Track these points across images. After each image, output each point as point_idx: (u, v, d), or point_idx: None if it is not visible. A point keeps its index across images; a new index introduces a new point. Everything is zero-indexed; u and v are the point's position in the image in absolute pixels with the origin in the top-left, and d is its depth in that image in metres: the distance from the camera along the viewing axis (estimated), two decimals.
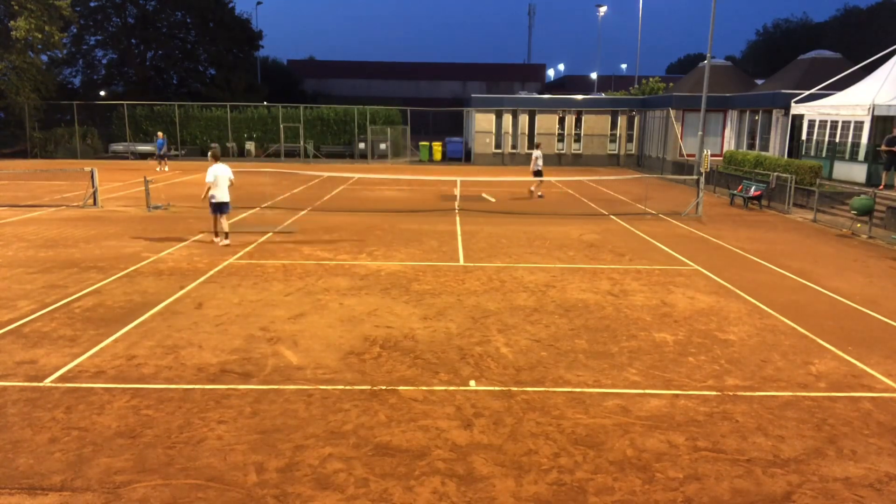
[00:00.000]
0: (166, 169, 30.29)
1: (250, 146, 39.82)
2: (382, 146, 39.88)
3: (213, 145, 18.18)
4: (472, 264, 12.14)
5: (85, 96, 43.47)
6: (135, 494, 4.80)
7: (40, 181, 25.17)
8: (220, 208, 13.34)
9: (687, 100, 32.72)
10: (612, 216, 18.58)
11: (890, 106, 20.16)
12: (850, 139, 21.83)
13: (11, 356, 7.35)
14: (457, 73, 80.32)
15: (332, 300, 9.69)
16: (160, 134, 31.69)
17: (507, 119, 38.55)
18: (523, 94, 45.79)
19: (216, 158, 13.50)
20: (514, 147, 38.82)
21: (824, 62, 29.06)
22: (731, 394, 6.68)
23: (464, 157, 40.29)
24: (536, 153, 23.00)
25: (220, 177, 13.22)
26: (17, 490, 4.83)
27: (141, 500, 4.73)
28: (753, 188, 21.17)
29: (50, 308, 9.10)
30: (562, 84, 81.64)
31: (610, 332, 8.51)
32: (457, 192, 20.30)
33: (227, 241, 13.41)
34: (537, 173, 22.44)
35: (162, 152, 30.77)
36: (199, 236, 14.29)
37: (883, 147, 18.66)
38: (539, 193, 22.37)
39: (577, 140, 39.05)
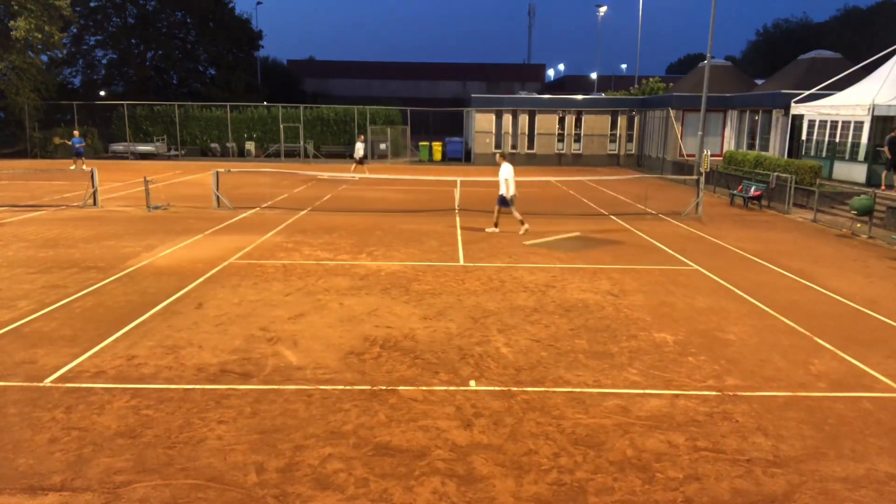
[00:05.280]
0: (84, 167, 28.17)
1: (250, 146, 39.84)
2: (382, 146, 39.90)
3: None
4: (472, 264, 12.14)
5: (85, 96, 43.49)
6: (135, 494, 4.80)
7: (40, 181, 25.16)
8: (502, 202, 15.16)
9: (687, 100, 32.72)
10: (612, 216, 18.58)
11: (890, 106, 20.16)
12: (849, 139, 21.83)
13: (11, 356, 7.34)
14: (457, 73, 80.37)
15: (332, 300, 9.69)
16: (76, 132, 30.56)
17: (507, 119, 38.56)
18: (523, 95, 45.80)
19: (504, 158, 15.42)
20: (514, 147, 38.82)
21: (824, 62, 29.06)
22: (731, 394, 6.68)
23: (464, 157, 40.29)
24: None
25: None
26: (17, 490, 4.83)
27: (141, 500, 4.73)
28: (753, 188, 21.17)
29: (50, 308, 9.10)
30: (562, 84, 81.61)
31: (610, 332, 8.51)
32: (456, 192, 20.30)
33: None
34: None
35: (78, 151, 29.30)
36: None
37: (885, 149, 18.65)
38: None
39: (577, 140, 39.06)
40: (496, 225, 15.46)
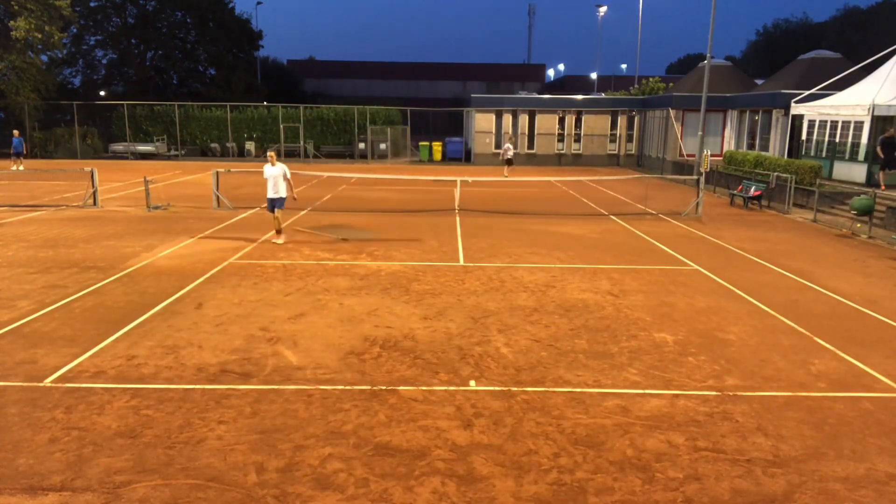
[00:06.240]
0: (21, 168, 28.34)
1: (250, 146, 39.84)
2: (382, 146, 39.89)
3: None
4: (472, 264, 12.14)
5: (85, 96, 43.47)
6: (135, 494, 4.80)
7: (40, 181, 25.16)
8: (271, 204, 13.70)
9: (687, 100, 32.72)
10: (612, 216, 18.58)
11: (890, 106, 20.15)
12: (849, 139, 21.83)
13: (11, 356, 7.34)
14: (457, 73, 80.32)
15: (332, 300, 9.69)
16: (16, 133, 30.44)
17: (507, 119, 38.55)
18: (523, 94, 45.79)
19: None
20: (514, 147, 38.78)
21: (824, 62, 29.05)
22: (731, 394, 6.68)
23: (464, 157, 40.29)
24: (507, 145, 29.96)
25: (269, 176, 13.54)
26: (17, 490, 4.83)
27: (141, 500, 4.73)
28: (753, 188, 21.17)
29: (50, 308, 9.10)
30: (562, 84, 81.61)
31: (610, 332, 8.51)
32: (457, 192, 20.30)
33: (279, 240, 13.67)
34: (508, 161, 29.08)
35: (17, 151, 29.23)
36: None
37: (878, 149, 18.69)
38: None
39: (577, 140, 39.05)
40: (279, 232, 13.90)
